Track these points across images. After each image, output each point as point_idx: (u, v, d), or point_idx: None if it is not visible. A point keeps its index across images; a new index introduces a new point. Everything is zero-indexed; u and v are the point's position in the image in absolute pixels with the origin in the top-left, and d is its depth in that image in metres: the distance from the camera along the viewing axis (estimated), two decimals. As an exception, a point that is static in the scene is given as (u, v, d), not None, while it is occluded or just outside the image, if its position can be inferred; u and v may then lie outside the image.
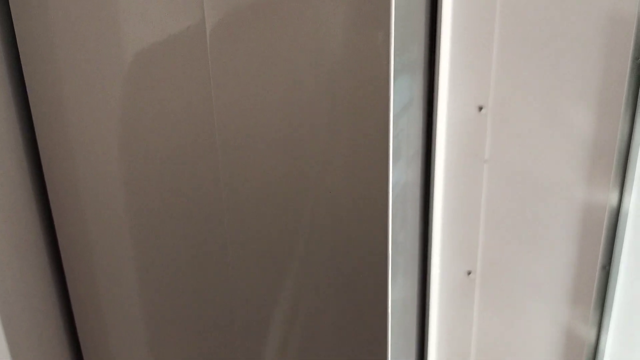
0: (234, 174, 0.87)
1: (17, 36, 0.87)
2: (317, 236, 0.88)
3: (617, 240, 0.92)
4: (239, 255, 0.93)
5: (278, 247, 0.90)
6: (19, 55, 0.89)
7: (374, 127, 0.78)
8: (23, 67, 0.89)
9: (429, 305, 1.01)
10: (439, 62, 0.84)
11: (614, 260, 0.92)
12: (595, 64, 0.82)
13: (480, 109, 0.87)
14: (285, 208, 0.87)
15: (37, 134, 0.93)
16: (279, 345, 0.98)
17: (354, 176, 0.82)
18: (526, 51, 0.83)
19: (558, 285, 0.95)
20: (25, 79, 0.90)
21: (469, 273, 0.99)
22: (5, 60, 0.90)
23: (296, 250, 0.90)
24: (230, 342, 1.00)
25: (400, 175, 0.86)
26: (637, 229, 0.91)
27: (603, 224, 0.90)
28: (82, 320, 1.06)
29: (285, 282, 0.92)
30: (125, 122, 0.89)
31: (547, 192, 0.91)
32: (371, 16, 0.73)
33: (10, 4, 0.86)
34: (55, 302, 1.06)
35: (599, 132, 0.85)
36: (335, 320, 0.92)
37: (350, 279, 0.88)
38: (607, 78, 0.82)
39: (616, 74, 0.81)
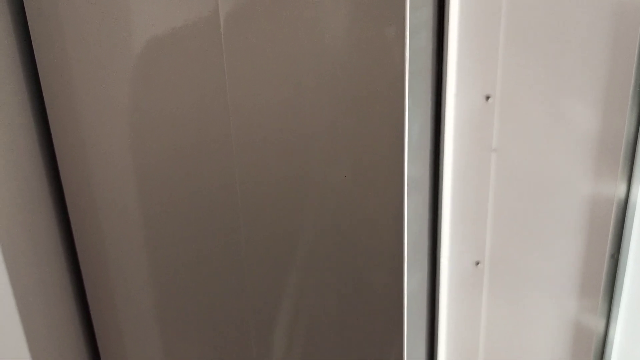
0: (248, 170, 0.87)
1: (31, 34, 0.87)
2: (332, 233, 0.88)
3: (626, 230, 0.92)
4: (254, 252, 0.93)
5: (293, 243, 0.90)
6: (33, 53, 0.89)
7: (390, 122, 0.78)
8: (38, 66, 0.89)
9: (438, 295, 1.02)
10: (446, 51, 0.85)
11: (622, 249, 0.92)
12: (602, 56, 0.82)
13: (488, 98, 0.88)
14: (300, 203, 0.87)
15: (52, 133, 0.93)
16: (295, 341, 0.98)
17: (370, 171, 0.82)
18: (533, 42, 0.84)
19: (566, 275, 0.96)
20: (40, 78, 0.90)
21: (477, 263, 0.99)
22: (20, 59, 0.91)
23: (311, 247, 0.89)
24: (244, 340, 1.00)
25: (412, 168, 0.87)
26: (645, 218, 0.91)
27: (611, 214, 0.91)
28: (99, 320, 1.07)
29: (300, 278, 0.92)
30: (139, 118, 0.88)
31: (554, 182, 0.91)
32: (386, 11, 0.74)
33: (24, 4, 0.86)
34: (72, 302, 1.07)
35: (606, 123, 0.86)
36: (352, 316, 0.92)
37: (366, 274, 0.88)
38: (615, 69, 0.82)
39: (623, 65, 0.82)
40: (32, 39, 0.87)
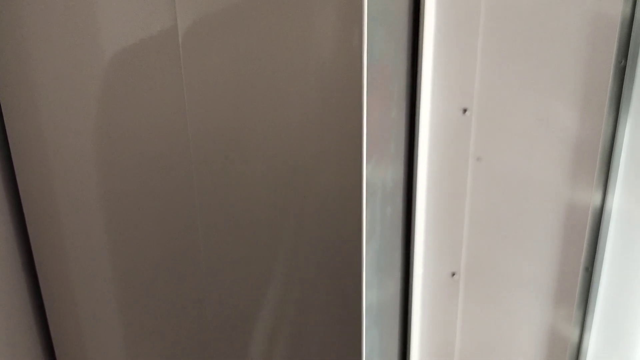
0: (207, 176, 0.87)
1: None
2: (293, 237, 0.88)
3: (600, 241, 0.92)
4: (213, 252, 0.93)
5: (253, 247, 0.90)
6: None
7: (348, 127, 0.78)
8: None
9: (411, 306, 1.01)
10: (421, 63, 0.83)
11: (596, 262, 0.93)
12: (579, 67, 0.81)
13: (465, 111, 0.86)
14: (260, 208, 0.87)
15: (8, 135, 0.91)
16: (254, 346, 0.98)
17: (329, 176, 0.82)
18: (510, 53, 0.83)
19: (542, 285, 0.95)
20: None
21: (453, 274, 0.98)
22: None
23: (273, 252, 0.89)
24: (206, 342, 1.00)
25: (378, 176, 0.86)
26: (619, 230, 0.91)
27: (586, 224, 0.90)
28: (55, 323, 1.05)
29: (260, 283, 0.92)
30: (100, 125, 0.88)
31: (531, 193, 0.91)
32: (345, 15, 0.73)
33: None
34: (27, 302, 1.04)
35: (582, 134, 0.85)
36: (311, 322, 0.92)
37: (328, 281, 0.88)
38: (591, 80, 0.82)
39: (600, 77, 0.81)
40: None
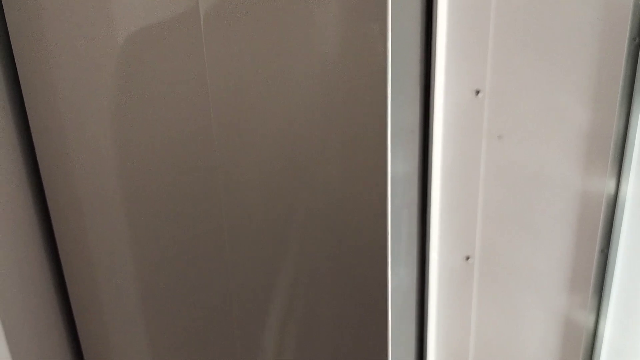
0: (231, 167, 0.87)
1: (10, 34, 0.86)
2: (316, 229, 0.87)
3: (615, 226, 0.92)
4: (237, 250, 0.93)
5: (276, 240, 0.90)
6: (12, 53, 0.87)
7: (372, 117, 0.77)
8: (17, 67, 0.88)
9: (427, 290, 1.02)
10: (435, 45, 0.85)
11: (612, 244, 0.92)
12: (591, 51, 0.81)
13: (477, 92, 0.87)
14: (283, 199, 0.87)
15: (32, 132, 0.92)
16: (278, 338, 0.98)
17: (353, 167, 0.81)
18: (523, 35, 0.84)
19: (556, 270, 0.96)
20: (20, 78, 0.89)
21: (468, 258, 0.99)
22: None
23: (295, 242, 0.89)
24: (228, 338, 1.00)
25: (398, 164, 0.87)
26: (634, 214, 0.91)
27: (601, 210, 0.90)
28: (81, 320, 1.06)
29: (284, 274, 0.92)
30: (121, 117, 0.88)
31: (544, 178, 0.91)
32: (369, 7, 0.73)
33: (2, 2, 0.85)
34: (54, 301, 1.06)
35: (595, 119, 0.85)
36: (336, 310, 0.92)
37: (351, 270, 0.88)
38: (604, 62, 0.82)
39: (613, 58, 0.81)
40: (9, 33, 0.86)
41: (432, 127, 0.92)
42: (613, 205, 0.92)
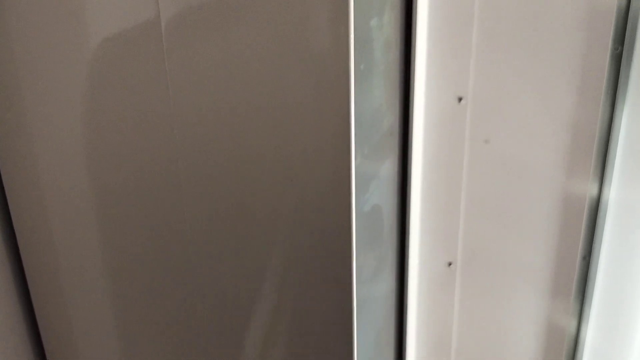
0: (193, 170, 0.87)
1: None
2: (282, 232, 0.87)
3: (597, 231, 0.92)
4: (202, 251, 0.92)
5: (242, 243, 0.89)
6: None
7: (336, 117, 0.77)
8: None
9: (407, 297, 1.01)
10: (415, 53, 0.83)
11: (594, 251, 0.92)
12: (575, 55, 0.81)
13: (460, 99, 0.86)
14: (249, 203, 0.86)
15: None
16: (246, 341, 0.97)
17: (319, 170, 0.81)
18: (506, 41, 0.82)
19: (539, 276, 0.95)
20: None
21: (450, 264, 0.98)
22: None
23: (263, 246, 0.89)
24: (198, 338, 1.00)
25: (368, 165, 0.85)
26: (616, 219, 0.90)
27: (583, 214, 0.90)
28: (44, 320, 1.05)
29: (251, 279, 0.91)
30: (84, 121, 0.88)
31: (527, 183, 0.90)
32: (331, 10, 0.72)
33: None
34: (16, 302, 1.04)
35: (579, 123, 0.85)
36: (303, 317, 0.92)
37: (317, 275, 0.88)
38: (587, 68, 0.81)
39: (596, 65, 0.80)
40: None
41: (412, 131, 0.91)
42: (596, 209, 0.91)
